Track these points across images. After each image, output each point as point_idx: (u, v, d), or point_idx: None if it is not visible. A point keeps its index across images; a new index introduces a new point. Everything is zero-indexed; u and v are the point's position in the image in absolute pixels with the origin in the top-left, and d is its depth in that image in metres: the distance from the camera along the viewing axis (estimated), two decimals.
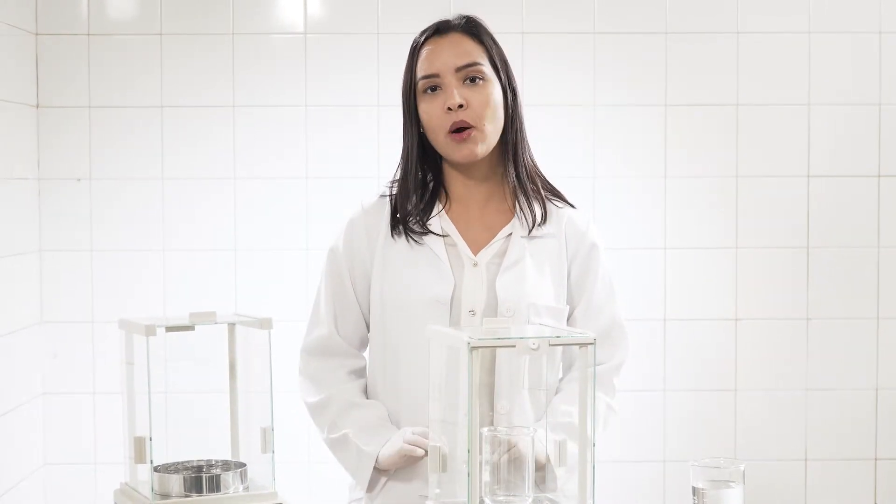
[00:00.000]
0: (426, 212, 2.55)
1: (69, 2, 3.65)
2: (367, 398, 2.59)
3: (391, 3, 3.67)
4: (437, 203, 2.56)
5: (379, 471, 2.48)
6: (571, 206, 2.63)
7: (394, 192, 2.59)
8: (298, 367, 2.63)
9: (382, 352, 2.55)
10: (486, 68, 2.51)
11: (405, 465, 2.44)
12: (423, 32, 2.56)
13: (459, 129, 2.47)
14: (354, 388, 2.57)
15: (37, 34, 3.65)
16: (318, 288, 2.63)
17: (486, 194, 2.58)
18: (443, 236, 2.52)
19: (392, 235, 2.55)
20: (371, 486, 2.50)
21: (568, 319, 2.58)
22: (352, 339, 2.59)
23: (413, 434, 2.41)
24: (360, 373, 2.61)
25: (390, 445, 2.44)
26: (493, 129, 2.51)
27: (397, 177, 2.59)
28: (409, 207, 2.53)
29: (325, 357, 2.59)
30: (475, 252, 2.53)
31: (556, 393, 2.55)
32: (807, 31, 3.71)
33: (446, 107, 2.47)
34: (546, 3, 3.69)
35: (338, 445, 2.54)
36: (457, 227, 2.55)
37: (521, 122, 2.57)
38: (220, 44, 3.68)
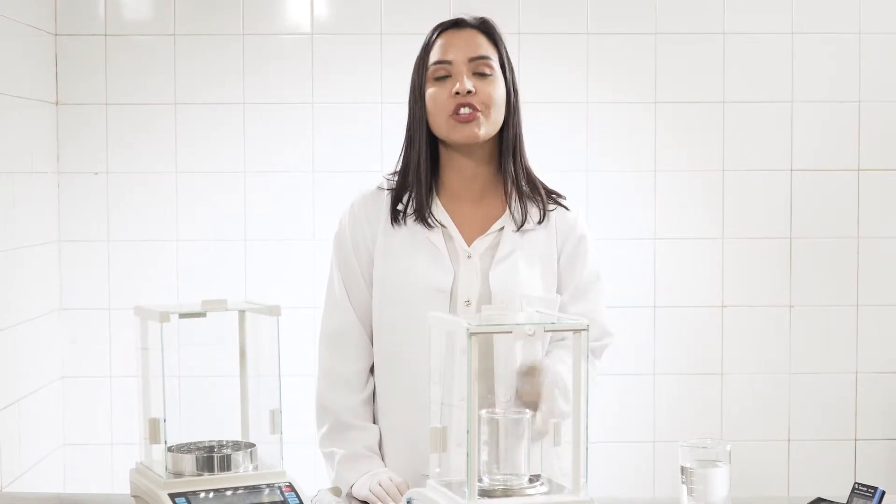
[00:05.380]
0: (425, 203, 2.53)
1: (87, 4, 3.65)
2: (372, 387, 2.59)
3: (394, 5, 3.66)
4: (435, 196, 2.55)
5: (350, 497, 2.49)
6: (566, 208, 2.60)
7: (394, 186, 2.57)
8: (318, 353, 2.62)
9: (380, 336, 2.54)
10: (496, 65, 2.51)
11: None
12: (438, 26, 2.55)
13: (464, 111, 2.46)
14: (357, 402, 2.56)
15: (56, 35, 3.64)
16: (329, 274, 2.62)
17: (480, 189, 2.56)
18: (435, 229, 2.51)
19: (392, 225, 2.54)
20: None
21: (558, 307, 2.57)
22: (366, 320, 2.58)
23: (390, 481, 2.41)
24: (369, 373, 2.60)
25: (367, 479, 2.44)
26: (495, 118, 2.50)
27: (397, 169, 2.58)
28: (422, 194, 2.52)
29: (341, 350, 2.56)
30: (468, 244, 2.52)
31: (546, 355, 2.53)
32: (790, 32, 3.71)
33: (454, 91, 2.46)
34: (541, 5, 3.68)
35: (325, 456, 2.57)
36: (452, 220, 2.54)
37: (520, 123, 2.57)
38: (230, 44, 3.67)
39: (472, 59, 2.49)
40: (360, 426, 2.53)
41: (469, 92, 2.45)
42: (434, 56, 2.50)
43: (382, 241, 2.54)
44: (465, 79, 2.47)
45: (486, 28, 2.54)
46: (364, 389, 2.56)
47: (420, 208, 2.51)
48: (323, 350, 2.59)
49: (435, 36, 2.53)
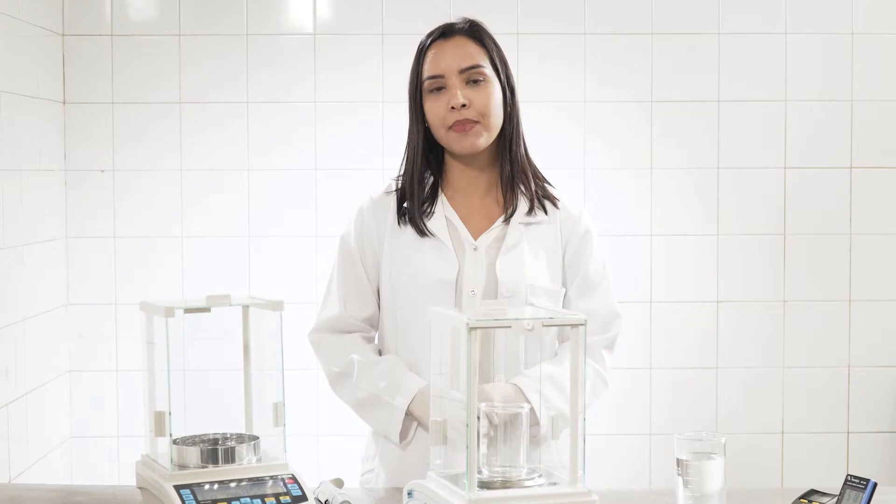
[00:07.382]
0: (430, 202, 2.54)
1: (94, 4, 3.64)
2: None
3: (394, 6, 3.66)
4: (440, 192, 2.56)
5: (411, 418, 2.46)
6: (554, 203, 2.59)
7: (400, 187, 2.58)
8: (313, 345, 2.61)
9: (394, 329, 2.55)
10: (488, 70, 2.51)
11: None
12: (429, 35, 2.55)
13: (462, 124, 2.47)
14: (370, 349, 2.57)
15: (63, 35, 3.64)
16: (330, 273, 2.63)
17: (485, 185, 2.58)
18: (440, 225, 2.52)
19: (399, 224, 2.55)
20: (403, 436, 2.49)
21: (563, 300, 2.58)
22: (360, 319, 2.58)
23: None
24: (371, 340, 2.61)
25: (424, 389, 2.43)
26: (493, 124, 2.50)
27: (402, 171, 2.59)
28: (415, 199, 2.53)
29: (337, 333, 2.58)
30: (475, 237, 2.53)
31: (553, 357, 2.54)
32: (783, 32, 3.71)
33: (450, 106, 2.47)
34: (539, 6, 3.68)
35: (366, 405, 2.52)
36: (458, 215, 2.55)
37: (517, 119, 2.57)
38: (234, 44, 3.67)
39: (462, 71, 2.49)
40: (382, 360, 2.52)
41: (463, 105, 2.46)
42: (427, 70, 2.51)
43: (390, 242, 2.55)
44: (458, 93, 2.47)
45: (474, 32, 2.53)
46: (372, 344, 2.58)
47: (414, 219, 2.52)
48: (317, 338, 2.60)
49: (425, 47, 2.53)
